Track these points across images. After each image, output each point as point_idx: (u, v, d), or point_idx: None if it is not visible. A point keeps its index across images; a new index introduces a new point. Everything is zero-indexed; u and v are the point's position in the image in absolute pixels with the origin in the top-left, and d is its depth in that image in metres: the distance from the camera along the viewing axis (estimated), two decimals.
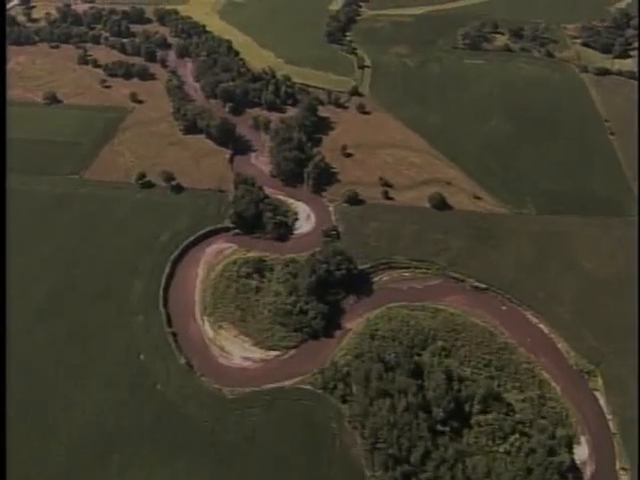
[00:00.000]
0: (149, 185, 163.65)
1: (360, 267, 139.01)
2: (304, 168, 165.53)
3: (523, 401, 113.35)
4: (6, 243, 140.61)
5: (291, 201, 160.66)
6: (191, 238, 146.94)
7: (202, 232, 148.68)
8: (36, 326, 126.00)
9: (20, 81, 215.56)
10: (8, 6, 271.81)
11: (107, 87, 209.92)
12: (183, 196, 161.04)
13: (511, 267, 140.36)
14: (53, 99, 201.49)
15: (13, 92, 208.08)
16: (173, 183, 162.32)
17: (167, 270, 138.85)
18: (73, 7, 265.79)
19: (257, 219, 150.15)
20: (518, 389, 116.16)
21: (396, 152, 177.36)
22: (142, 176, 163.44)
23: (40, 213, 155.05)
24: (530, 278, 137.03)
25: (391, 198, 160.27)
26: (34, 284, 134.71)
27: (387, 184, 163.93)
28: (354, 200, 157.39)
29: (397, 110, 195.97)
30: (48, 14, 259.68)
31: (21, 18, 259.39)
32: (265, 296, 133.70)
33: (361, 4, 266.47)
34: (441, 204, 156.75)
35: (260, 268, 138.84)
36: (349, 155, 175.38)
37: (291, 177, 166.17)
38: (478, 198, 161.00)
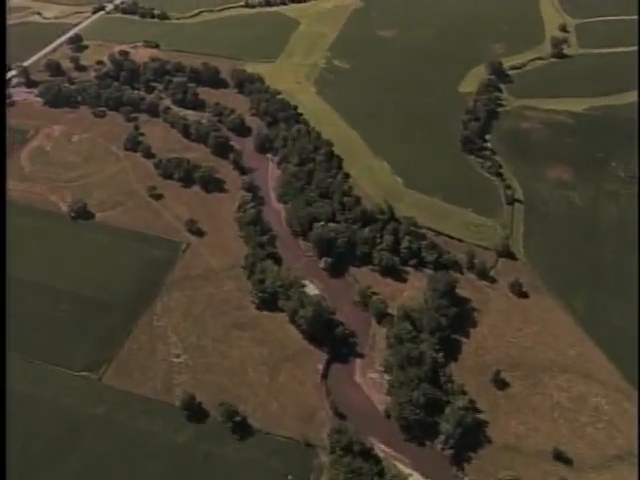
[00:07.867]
0: (200, 416, 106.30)
1: None
2: (437, 413, 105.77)
3: None
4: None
5: (415, 476, 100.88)
6: None
7: None
8: None
9: (47, 170, 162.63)
10: (54, 45, 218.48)
11: (157, 197, 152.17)
12: (249, 445, 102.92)
13: None
14: (82, 212, 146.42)
15: (35, 189, 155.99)
16: (237, 419, 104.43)
17: None
18: (132, 53, 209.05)
19: None
20: None
21: (571, 383, 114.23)
22: (191, 400, 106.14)
23: (31, 453, 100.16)
24: None
25: None
26: None
27: (563, 457, 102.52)
28: None
29: (566, 292, 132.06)
30: (100, 63, 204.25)
31: (67, 64, 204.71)
32: None
33: (501, 86, 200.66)
34: None
35: None
36: (503, 385, 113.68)
37: (417, 427, 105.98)
38: None
